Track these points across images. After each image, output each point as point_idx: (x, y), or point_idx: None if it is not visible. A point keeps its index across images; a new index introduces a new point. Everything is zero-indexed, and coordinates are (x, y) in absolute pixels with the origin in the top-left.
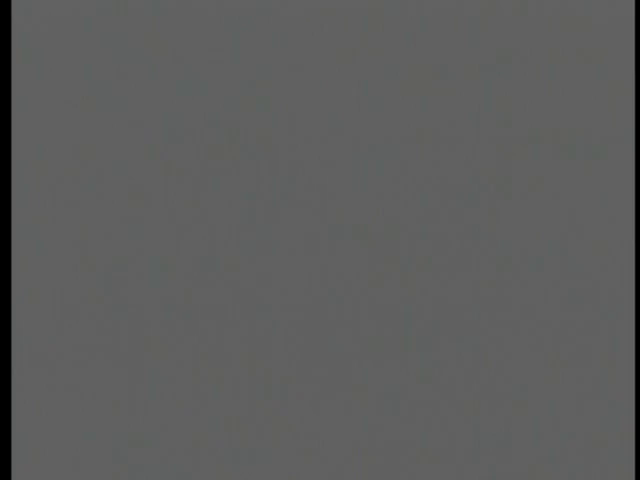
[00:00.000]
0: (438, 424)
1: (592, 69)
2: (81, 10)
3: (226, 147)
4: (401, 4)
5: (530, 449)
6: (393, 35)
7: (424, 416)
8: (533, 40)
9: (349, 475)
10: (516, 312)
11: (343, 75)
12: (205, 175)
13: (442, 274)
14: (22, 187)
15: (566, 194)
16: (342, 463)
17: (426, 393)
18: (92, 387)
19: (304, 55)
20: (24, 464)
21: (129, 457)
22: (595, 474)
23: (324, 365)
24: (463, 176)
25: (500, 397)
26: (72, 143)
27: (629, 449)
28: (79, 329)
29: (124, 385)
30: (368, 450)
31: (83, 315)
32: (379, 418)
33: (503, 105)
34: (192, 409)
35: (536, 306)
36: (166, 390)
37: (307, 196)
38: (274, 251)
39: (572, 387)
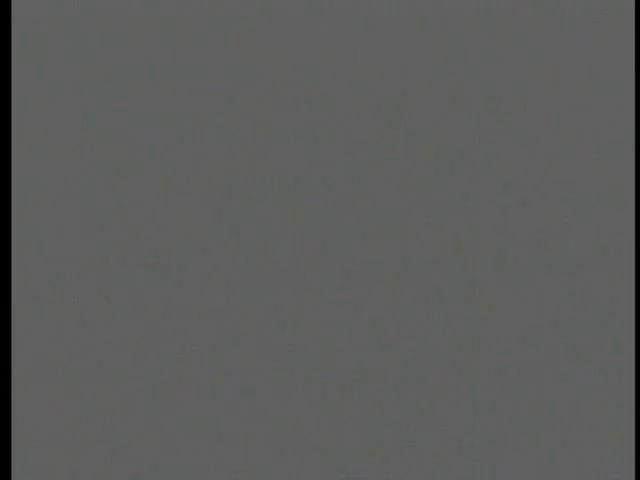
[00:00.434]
0: (438, 424)
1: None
2: (81, 10)
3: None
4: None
5: (530, 449)
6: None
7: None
8: (533, 40)
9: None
10: (516, 312)
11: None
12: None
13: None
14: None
15: (565, 194)
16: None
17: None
18: (92, 387)
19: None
20: (24, 464)
21: (129, 457)
22: (595, 474)
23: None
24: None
25: (499, 397)
26: (72, 143)
27: (629, 449)
28: (79, 329)
29: (124, 385)
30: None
31: (83, 315)
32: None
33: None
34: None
35: (536, 307)
36: (166, 390)
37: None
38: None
39: (572, 387)
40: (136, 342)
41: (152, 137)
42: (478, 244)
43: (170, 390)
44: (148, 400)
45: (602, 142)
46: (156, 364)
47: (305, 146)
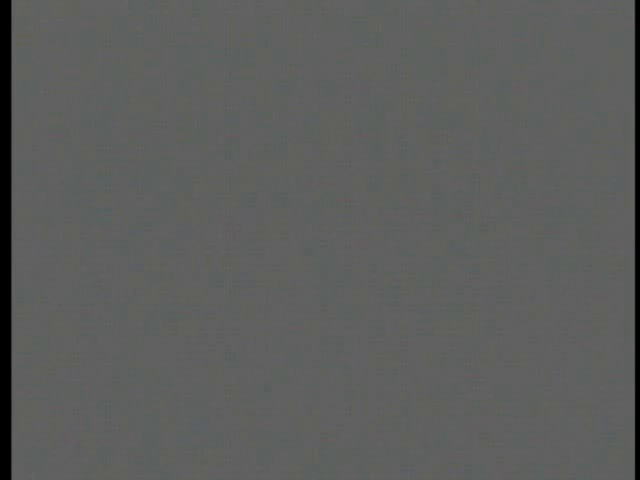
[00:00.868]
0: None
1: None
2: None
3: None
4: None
5: (530, 449)
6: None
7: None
8: (532, 40)
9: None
10: (515, 312)
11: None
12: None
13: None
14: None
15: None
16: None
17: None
18: (92, 387)
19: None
20: (24, 464)
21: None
22: (595, 474)
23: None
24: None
25: (499, 396)
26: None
27: (629, 449)
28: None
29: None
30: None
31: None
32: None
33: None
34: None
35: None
36: (165, 392)
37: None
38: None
39: (572, 387)
40: (136, 342)
41: (151, 137)
42: (478, 244)
43: (170, 390)
44: (148, 399)
45: (602, 142)
46: (156, 363)
47: (305, 146)
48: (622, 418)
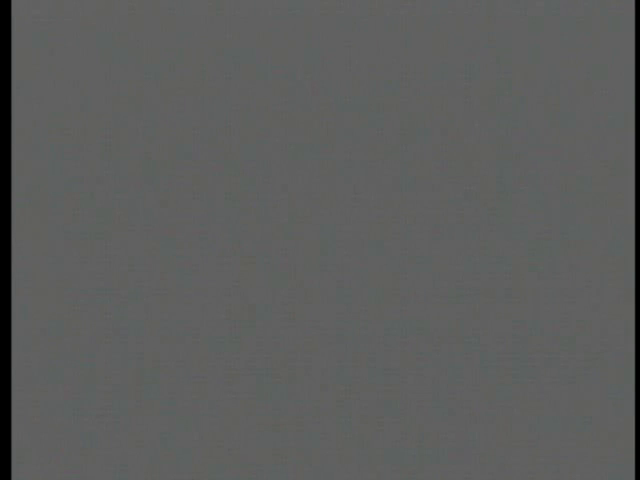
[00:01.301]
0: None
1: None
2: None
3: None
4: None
5: (530, 449)
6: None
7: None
8: (532, 40)
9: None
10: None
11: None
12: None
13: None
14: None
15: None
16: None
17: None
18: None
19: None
20: (24, 464)
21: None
22: (595, 474)
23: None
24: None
25: (499, 397)
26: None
27: (629, 449)
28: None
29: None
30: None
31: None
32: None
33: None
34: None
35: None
36: (166, 393)
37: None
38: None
39: (572, 386)
40: (136, 342)
41: (152, 136)
42: (477, 244)
43: (169, 391)
44: (147, 399)
45: (602, 142)
46: (155, 365)
47: (304, 146)
48: (622, 418)
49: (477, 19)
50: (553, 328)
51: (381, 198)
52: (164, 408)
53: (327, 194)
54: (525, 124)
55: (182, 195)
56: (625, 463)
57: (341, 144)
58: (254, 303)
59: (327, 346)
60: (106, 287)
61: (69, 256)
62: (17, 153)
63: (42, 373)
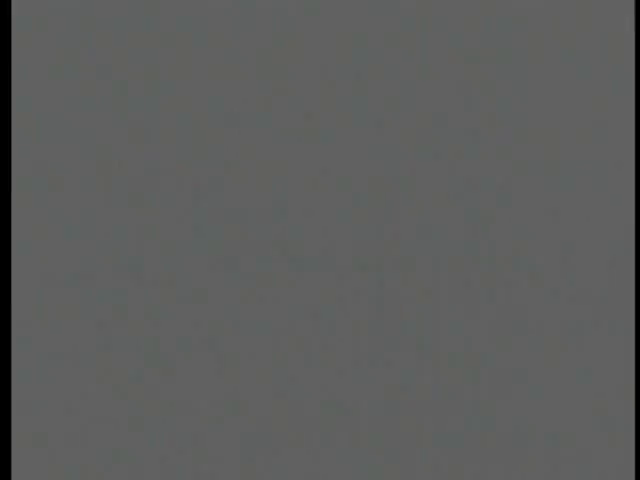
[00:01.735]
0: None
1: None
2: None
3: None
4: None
5: (530, 449)
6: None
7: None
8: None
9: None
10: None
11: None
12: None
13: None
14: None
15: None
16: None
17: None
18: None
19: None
20: (24, 464)
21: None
22: (595, 474)
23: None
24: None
25: (499, 397)
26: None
27: (629, 449)
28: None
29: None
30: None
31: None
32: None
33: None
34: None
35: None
36: (165, 394)
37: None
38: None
39: (572, 386)
40: (135, 343)
41: (151, 136)
42: (477, 245)
43: (169, 390)
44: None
45: (602, 143)
46: (155, 364)
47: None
48: (623, 419)
49: (478, 18)
50: (553, 328)
51: (381, 198)
52: (164, 408)
53: (327, 194)
54: (525, 124)
55: (182, 195)
56: (625, 463)
57: (341, 144)
58: (254, 303)
59: (327, 346)
60: (106, 287)
61: (69, 256)
62: (17, 152)
63: (42, 373)
